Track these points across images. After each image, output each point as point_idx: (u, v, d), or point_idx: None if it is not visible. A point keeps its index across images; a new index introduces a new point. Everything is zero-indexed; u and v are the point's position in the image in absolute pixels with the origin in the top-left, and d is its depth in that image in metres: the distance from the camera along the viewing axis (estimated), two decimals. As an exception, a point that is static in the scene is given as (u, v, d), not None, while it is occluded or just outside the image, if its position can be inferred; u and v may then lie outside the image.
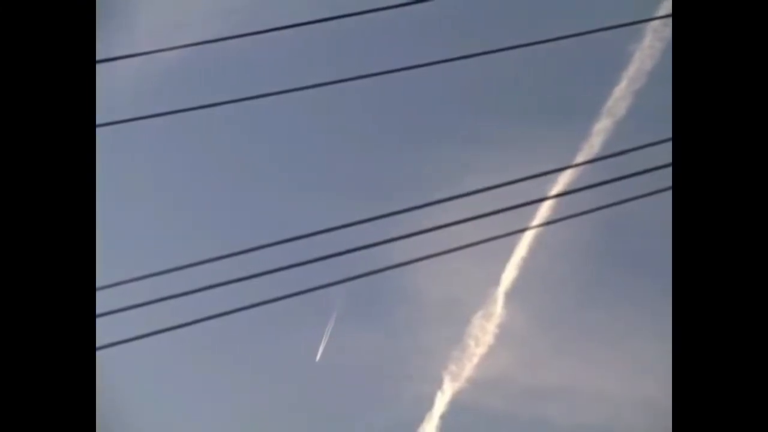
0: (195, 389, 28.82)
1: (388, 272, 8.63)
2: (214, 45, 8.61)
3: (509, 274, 26.75)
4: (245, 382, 30.09)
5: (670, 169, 7.20)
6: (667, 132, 7.19)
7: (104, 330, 7.64)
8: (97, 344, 7.30)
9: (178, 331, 8.28)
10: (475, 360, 26.80)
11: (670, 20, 7.19)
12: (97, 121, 7.44)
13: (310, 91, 8.91)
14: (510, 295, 27.32)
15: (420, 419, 26.89)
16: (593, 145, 25.04)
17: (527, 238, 25.00)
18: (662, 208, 7.12)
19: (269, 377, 30.00)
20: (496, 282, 27.32)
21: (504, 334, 27.42)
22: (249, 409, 29.16)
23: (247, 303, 8.42)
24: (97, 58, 7.44)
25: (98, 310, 7.44)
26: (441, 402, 27.35)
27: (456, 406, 27.36)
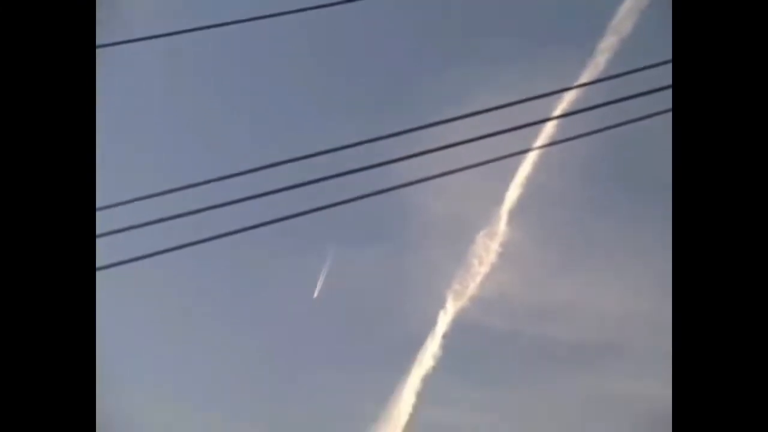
0: (202, 308, 29.46)
1: (393, 192, 8.66)
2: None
3: (513, 193, 27.25)
4: (251, 300, 30.57)
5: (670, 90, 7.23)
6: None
7: (105, 250, 7.62)
8: (98, 264, 7.28)
9: (184, 250, 8.30)
10: (479, 279, 27.35)
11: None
12: (99, 42, 7.48)
13: (320, 12, 8.90)
14: (513, 214, 27.96)
15: (423, 338, 27.65)
16: (598, 63, 25.00)
17: (531, 157, 25.50)
18: (665, 128, 7.18)
19: (275, 295, 30.42)
20: (500, 201, 28.00)
21: (507, 252, 27.86)
22: (255, 327, 29.68)
23: (253, 223, 8.40)
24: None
25: (99, 230, 7.43)
26: (444, 321, 27.98)
27: (459, 324, 27.99)
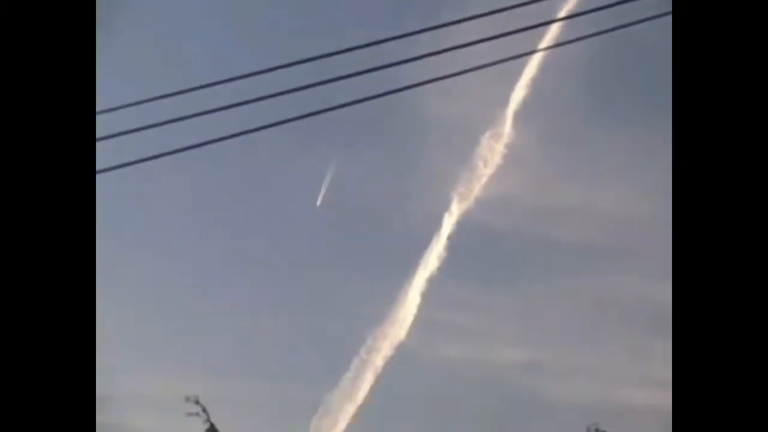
0: (201, 212, 29.60)
1: (397, 94, 8.58)
2: None
3: (518, 94, 26.98)
4: (253, 205, 30.58)
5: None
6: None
7: (105, 153, 7.57)
8: (97, 168, 7.28)
9: (183, 155, 8.25)
10: (484, 180, 27.09)
11: None
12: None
13: None
14: (519, 115, 27.68)
15: (428, 240, 27.53)
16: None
17: (537, 59, 24.82)
18: (667, 30, 7.15)
19: (277, 199, 30.46)
20: (505, 103, 27.64)
21: (512, 154, 27.64)
22: (256, 232, 29.75)
23: (256, 125, 8.34)
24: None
25: (99, 134, 7.40)
26: (449, 222, 27.73)
27: (463, 226, 27.79)
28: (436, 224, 26.53)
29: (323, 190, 26.68)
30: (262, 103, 8.23)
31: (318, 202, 26.83)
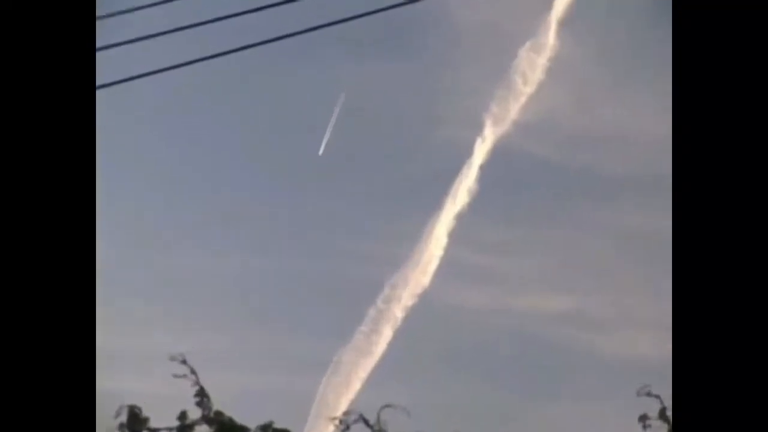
0: (207, 129, 26.80)
1: (422, 2, 8.36)
2: None
3: (564, -2, 22.33)
4: (265, 115, 27.57)
5: None
6: None
7: (104, 66, 7.46)
8: (97, 82, 7.44)
9: (188, 68, 8.14)
10: (522, 100, 23.25)
11: None
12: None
13: None
14: (564, 23, 23.19)
15: (457, 169, 23.57)
16: None
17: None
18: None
19: (292, 112, 27.11)
20: (548, 7, 23.27)
21: (556, 69, 23.39)
22: (266, 146, 26.79)
23: (274, 35, 8.19)
24: None
25: (98, 44, 7.52)
26: (481, 150, 23.76)
27: (498, 154, 23.81)
28: (466, 152, 22.96)
29: (335, 113, 23.07)
30: (275, 11, 8.14)
31: (329, 128, 23.24)
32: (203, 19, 8.23)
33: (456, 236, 22.85)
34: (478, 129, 23.16)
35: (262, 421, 7.72)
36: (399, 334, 22.42)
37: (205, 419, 8.35)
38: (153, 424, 7.61)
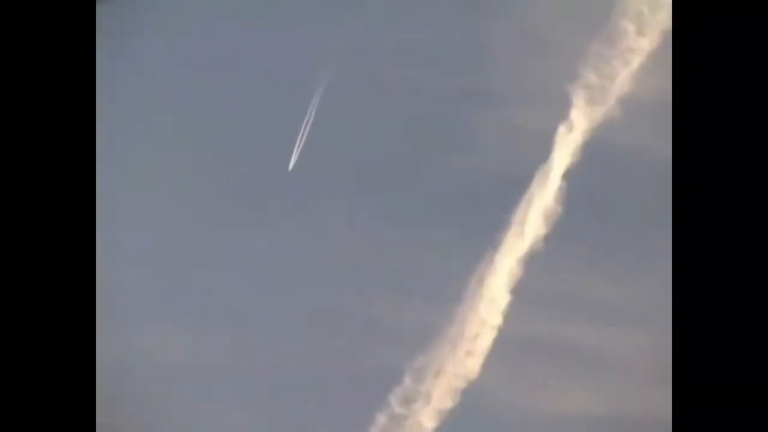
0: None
1: None
2: None
3: None
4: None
5: None
6: None
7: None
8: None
9: None
10: (633, 62, 13.29)
11: None
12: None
13: None
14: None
15: (521, 187, 14.53)
16: None
17: None
18: None
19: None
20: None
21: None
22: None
23: None
24: None
25: None
26: (566, 144, 14.16)
27: (594, 149, 14.05)
28: (541, 151, 14.07)
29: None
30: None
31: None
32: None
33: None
34: (563, 108, 13.84)
35: None
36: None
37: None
38: None
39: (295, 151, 16.34)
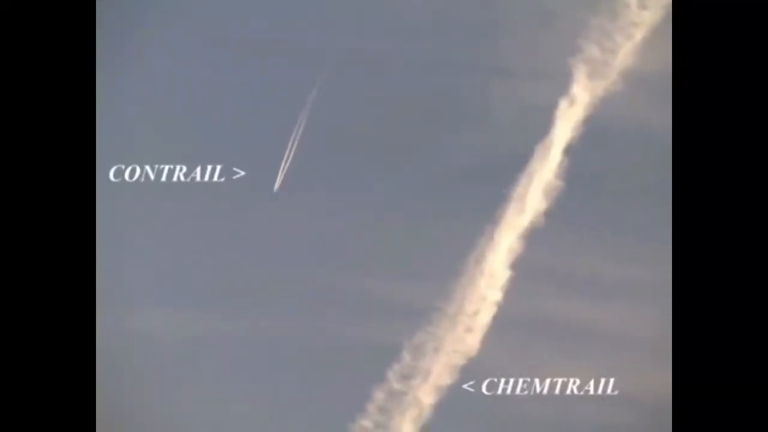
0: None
1: None
2: None
3: None
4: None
5: None
6: None
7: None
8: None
9: None
10: (637, 32, 13.23)
11: None
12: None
13: None
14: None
15: (523, 156, 15.20)
16: None
17: None
18: None
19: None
20: None
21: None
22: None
23: None
24: None
25: None
26: (568, 119, 14.29)
27: (596, 126, 14.44)
28: (540, 126, 14.20)
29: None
30: None
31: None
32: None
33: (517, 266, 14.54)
34: (563, 80, 13.99)
35: None
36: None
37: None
38: None
39: (295, 132, 16.33)
